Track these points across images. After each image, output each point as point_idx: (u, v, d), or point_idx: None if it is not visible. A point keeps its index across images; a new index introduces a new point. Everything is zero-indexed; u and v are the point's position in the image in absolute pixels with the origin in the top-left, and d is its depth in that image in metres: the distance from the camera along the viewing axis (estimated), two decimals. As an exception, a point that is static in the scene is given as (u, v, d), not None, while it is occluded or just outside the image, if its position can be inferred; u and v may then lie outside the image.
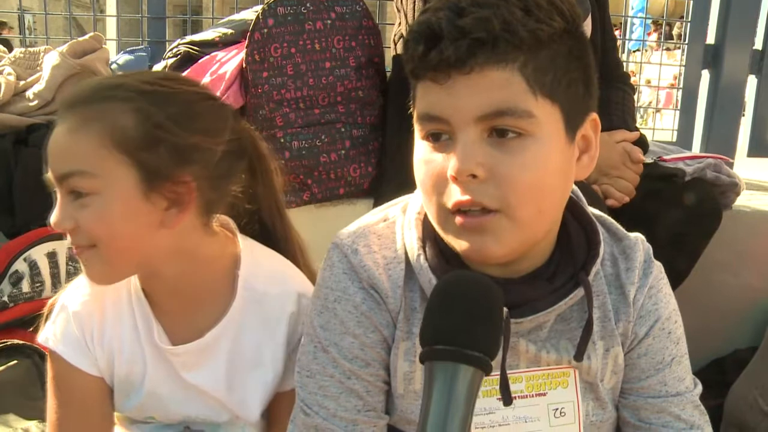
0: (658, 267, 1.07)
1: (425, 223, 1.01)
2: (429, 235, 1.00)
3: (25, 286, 1.84)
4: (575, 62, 0.91)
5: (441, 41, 0.86)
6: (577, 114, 0.93)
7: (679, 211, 1.83)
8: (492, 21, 0.84)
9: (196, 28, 2.84)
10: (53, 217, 1.06)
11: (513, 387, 0.99)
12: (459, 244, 0.92)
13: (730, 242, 2.10)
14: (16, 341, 1.58)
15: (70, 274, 1.89)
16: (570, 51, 0.90)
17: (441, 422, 0.71)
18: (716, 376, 2.13)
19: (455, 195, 0.89)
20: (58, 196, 1.08)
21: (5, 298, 1.81)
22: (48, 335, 1.20)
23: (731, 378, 2.07)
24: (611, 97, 1.96)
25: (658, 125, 3.11)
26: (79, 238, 1.08)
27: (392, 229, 1.06)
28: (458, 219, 0.90)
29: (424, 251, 1.00)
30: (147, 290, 1.20)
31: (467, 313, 0.76)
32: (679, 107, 2.88)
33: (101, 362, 1.21)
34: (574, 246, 1.01)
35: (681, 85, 2.88)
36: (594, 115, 0.96)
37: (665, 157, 2.03)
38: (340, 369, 1.02)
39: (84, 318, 1.19)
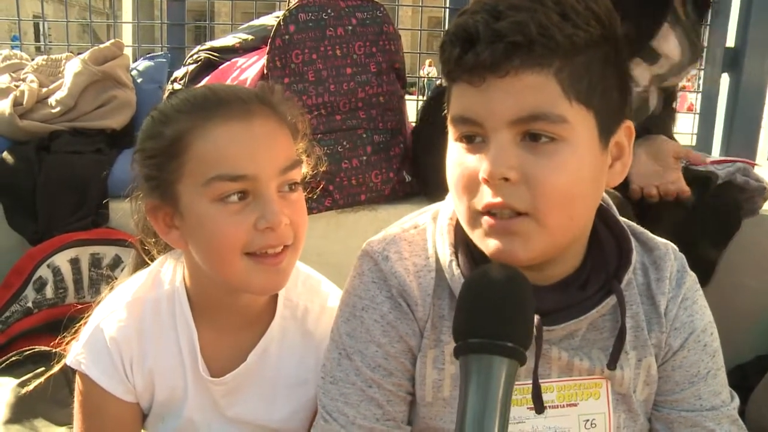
0: (692, 278, 1.06)
1: (457, 229, 1.01)
2: (461, 242, 1.00)
3: (49, 292, 1.86)
4: (611, 68, 0.90)
5: (477, 44, 0.86)
6: (612, 121, 0.93)
7: (706, 214, 1.84)
8: (529, 25, 0.84)
9: (210, 34, 2.85)
10: None
11: (544, 396, 0.99)
12: (487, 245, 0.92)
13: (753, 247, 2.09)
14: (42, 348, 1.59)
15: (93, 281, 1.90)
16: (606, 57, 0.90)
17: (479, 414, 0.72)
18: (738, 382, 2.11)
19: (486, 197, 0.89)
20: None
21: (30, 304, 1.83)
22: (80, 359, 1.15)
23: (753, 384, 2.05)
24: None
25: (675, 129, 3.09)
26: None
27: (423, 236, 1.06)
28: (487, 220, 0.90)
29: (456, 258, 1.00)
30: (196, 314, 1.16)
31: (497, 305, 0.78)
32: (698, 111, 2.86)
33: (139, 387, 1.17)
34: (605, 253, 1.00)
35: (700, 89, 2.87)
36: (628, 123, 0.96)
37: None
38: (362, 377, 1.02)
39: (122, 344, 1.15)
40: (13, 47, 2.86)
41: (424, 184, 2.09)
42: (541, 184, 0.87)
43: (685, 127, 2.85)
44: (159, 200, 1.09)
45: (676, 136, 2.91)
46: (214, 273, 1.08)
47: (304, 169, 1.16)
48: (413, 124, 2.23)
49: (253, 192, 1.04)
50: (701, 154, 2.11)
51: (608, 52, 0.90)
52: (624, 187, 1.84)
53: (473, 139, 0.91)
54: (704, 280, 1.80)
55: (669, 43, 1.92)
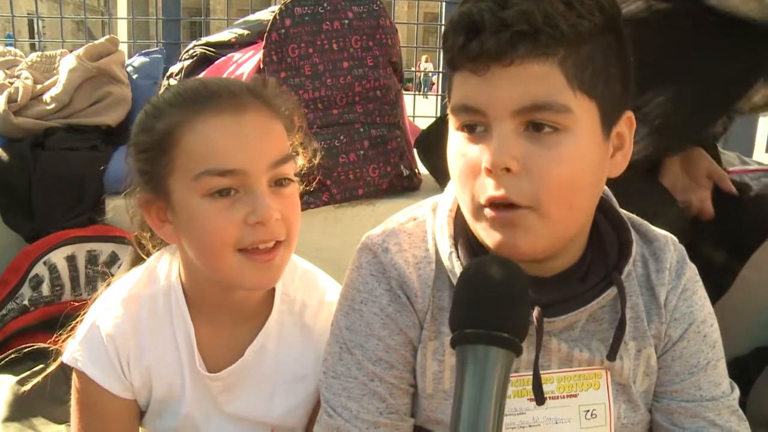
0: (692, 269, 1.06)
1: (457, 221, 1.01)
2: (461, 233, 1.00)
3: (45, 289, 1.85)
4: (614, 58, 0.90)
5: (482, 32, 0.86)
6: (614, 111, 0.92)
7: (731, 229, 1.83)
8: (535, 14, 0.84)
9: (205, 29, 2.85)
10: None
11: (544, 388, 0.99)
12: (490, 237, 0.91)
13: (752, 239, 2.08)
14: (40, 345, 1.58)
15: (89, 278, 1.89)
16: (609, 46, 0.90)
17: (475, 404, 0.72)
18: (737, 374, 2.11)
19: (489, 189, 0.89)
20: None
21: (26, 302, 1.82)
22: (76, 356, 1.14)
23: (752, 375, 2.05)
24: None
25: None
26: None
27: (422, 228, 1.06)
28: (490, 212, 0.90)
29: (456, 249, 1.00)
30: (192, 309, 1.15)
31: (493, 296, 0.78)
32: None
33: (136, 383, 1.17)
34: (606, 245, 1.00)
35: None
36: (629, 113, 0.96)
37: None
38: (363, 371, 1.02)
39: (119, 341, 1.14)
40: (7, 45, 2.84)
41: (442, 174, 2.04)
42: (544, 176, 0.87)
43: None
44: (152, 194, 1.08)
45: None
46: (207, 269, 1.07)
47: (300, 162, 1.15)
48: (411, 119, 2.23)
49: (243, 187, 1.02)
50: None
51: (611, 41, 0.90)
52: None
53: (475, 129, 0.91)
54: (720, 293, 1.81)
55: None
